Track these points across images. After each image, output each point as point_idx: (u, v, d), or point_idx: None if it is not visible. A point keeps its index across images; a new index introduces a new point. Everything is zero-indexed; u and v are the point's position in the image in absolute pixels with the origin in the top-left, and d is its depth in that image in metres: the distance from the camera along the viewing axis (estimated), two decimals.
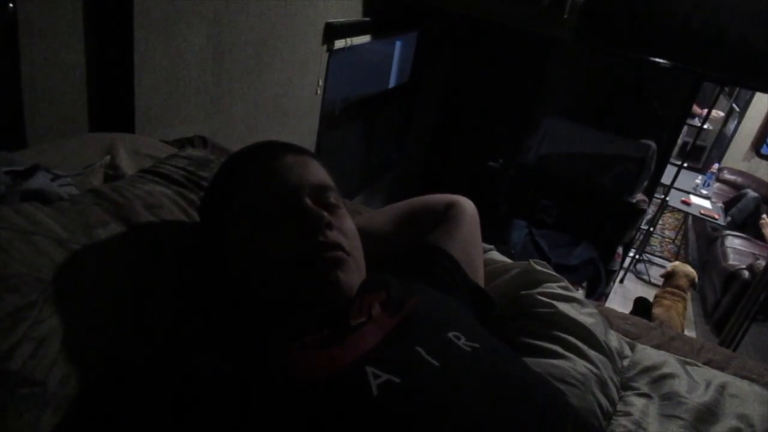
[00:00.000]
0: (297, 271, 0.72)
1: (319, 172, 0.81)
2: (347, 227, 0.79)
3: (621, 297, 4.15)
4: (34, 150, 1.12)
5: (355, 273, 0.75)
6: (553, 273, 1.08)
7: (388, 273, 0.82)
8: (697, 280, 3.68)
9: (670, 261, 4.65)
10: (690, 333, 3.76)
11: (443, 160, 4.46)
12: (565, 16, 2.71)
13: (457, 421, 0.57)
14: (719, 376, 1.03)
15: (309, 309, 0.72)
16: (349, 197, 3.03)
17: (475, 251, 1.01)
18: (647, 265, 4.81)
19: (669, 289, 3.55)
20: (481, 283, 1.00)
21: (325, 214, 0.74)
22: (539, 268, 1.07)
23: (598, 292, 3.26)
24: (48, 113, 1.27)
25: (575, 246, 3.25)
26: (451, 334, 0.69)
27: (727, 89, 5.42)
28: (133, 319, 0.72)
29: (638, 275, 4.68)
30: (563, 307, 1.00)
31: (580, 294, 1.11)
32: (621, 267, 4.04)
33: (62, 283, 0.66)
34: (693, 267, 3.77)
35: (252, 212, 0.75)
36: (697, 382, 0.99)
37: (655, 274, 4.45)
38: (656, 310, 3.42)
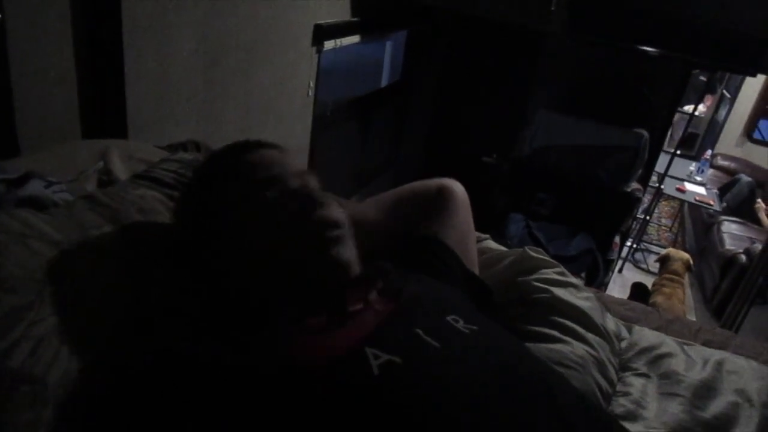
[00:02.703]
0: (294, 251, 0.74)
1: (296, 161, 0.84)
2: (337, 208, 0.81)
3: (620, 286, 4.16)
4: (27, 158, 1.12)
5: (351, 245, 0.78)
6: (549, 259, 1.09)
7: (385, 262, 0.83)
8: (692, 263, 3.70)
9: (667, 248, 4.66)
10: (690, 319, 3.77)
11: (438, 156, 4.46)
12: (553, 8, 2.72)
13: (458, 401, 0.58)
14: (717, 354, 1.04)
15: (309, 289, 0.73)
16: (345, 198, 3.04)
17: (469, 237, 1.02)
18: (645, 253, 4.82)
19: (666, 275, 3.56)
20: (476, 267, 1.01)
21: (314, 192, 0.77)
22: (535, 254, 1.08)
23: (597, 281, 3.27)
24: (40, 122, 1.27)
25: (572, 237, 3.26)
26: (449, 318, 0.70)
27: (718, 75, 5.45)
28: (130, 316, 0.73)
29: (636, 264, 4.69)
30: (559, 292, 1.00)
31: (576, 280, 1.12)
32: (619, 256, 4.06)
33: (58, 284, 0.67)
34: (690, 254, 3.78)
35: (247, 201, 0.76)
36: (694, 360, 1.00)
37: (653, 262, 4.46)
38: (657, 299, 3.43)
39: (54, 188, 0.97)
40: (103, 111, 1.42)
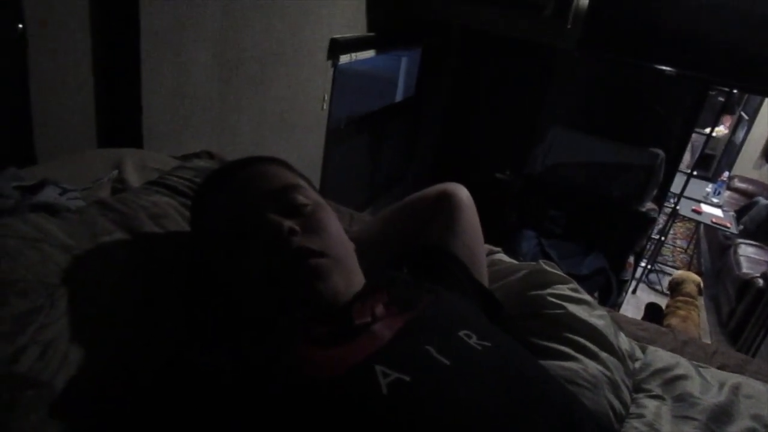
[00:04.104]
0: (274, 288, 0.71)
1: (279, 176, 0.80)
2: (319, 223, 0.76)
3: (634, 307, 4.10)
4: (44, 166, 1.13)
5: (336, 274, 0.73)
6: (563, 274, 1.07)
7: (398, 273, 0.81)
8: (704, 288, 3.65)
9: (678, 270, 4.61)
10: (705, 342, 3.70)
11: (450, 172, 4.45)
12: (568, 26, 2.73)
13: (467, 419, 0.57)
14: (733, 377, 1.01)
15: (302, 314, 0.71)
16: (357, 211, 3.04)
17: (476, 242, 0.99)
18: (660, 275, 4.76)
19: (680, 298, 3.51)
20: (485, 274, 0.99)
21: (285, 222, 0.72)
22: (548, 268, 1.06)
23: (609, 301, 3.23)
24: (57, 131, 1.29)
25: (585, 256, 3.23)
26: (461, 333, 0.68)
27: (735, 96, 5.42)
28: (138, 323, 0.72)
29: (651, 285, 4.63)
30: (574, 308, 0.99)
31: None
32: (633, 277, 4.01)
33: (68, 289, 0.67)
34: (706, 276, 3.73)
35: (218, 239, 0.75)
36: (710, 383, 0.98)
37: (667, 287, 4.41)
38: (672, 321, 3.38)
39: (68, 195, 0.98)
40: (119, 121, 1.44)
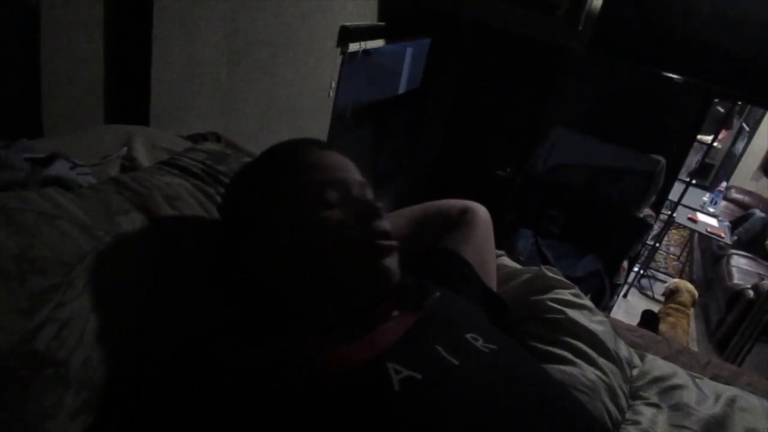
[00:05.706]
0: (349, 255, 0.72)
1: (356, 170, 0.82)
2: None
3: (624, 312, 4.13)
4: (52, 139, 1.13)
5: (398, 262, 0.76)
6: (564, 279, 1.08)
7: (406, 275, 0.82)
8: (698, 298, 3.68)
9: (674, 278, 4.64)
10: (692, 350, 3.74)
11: (452, 166, 4.46)
12: (580, 28, 2.72)
13: (477, 419, 0.58)
14: (729, 390, 1.03)
15: (344, 294, 0.73)
16: None
17: (489, 257, 1.02)
18: (651, 280, 4.79)
19: (672, 305, 3.54)
20: (494, 283, 1.01)
21: (378, 203, 0.76)
22: (550, 274, 1.08)
23: (602, 305, 3.25)
24: (64, 103, 1.28)
25: (581, 258, 3.25)
26: (469, 335, 0.70)
27: (738, 107, 5.43)
28: (154, 307, 0.72)
29: (642, 290, 4.67)
30: (573, 313, 1.00)
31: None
32: (625, 281, 4.03)
33: (86, 268, 0.67)
34: (697, 285, 3.77)
35: (306, 199, 0.74)
36: (706, 395, 0.99)
37: (659, 290, 4.44)
38: (662, 327, 3.41)
39: (78, 171, 0.97)
40: (127, 98, 1.43)
